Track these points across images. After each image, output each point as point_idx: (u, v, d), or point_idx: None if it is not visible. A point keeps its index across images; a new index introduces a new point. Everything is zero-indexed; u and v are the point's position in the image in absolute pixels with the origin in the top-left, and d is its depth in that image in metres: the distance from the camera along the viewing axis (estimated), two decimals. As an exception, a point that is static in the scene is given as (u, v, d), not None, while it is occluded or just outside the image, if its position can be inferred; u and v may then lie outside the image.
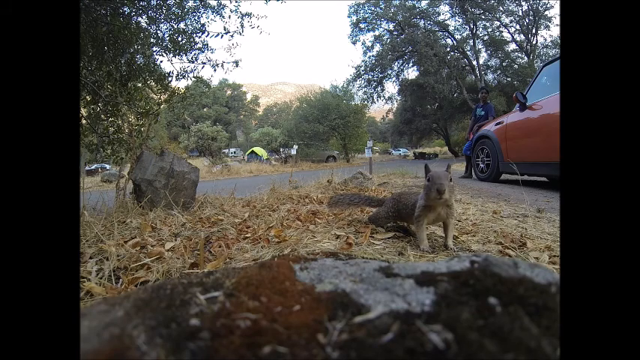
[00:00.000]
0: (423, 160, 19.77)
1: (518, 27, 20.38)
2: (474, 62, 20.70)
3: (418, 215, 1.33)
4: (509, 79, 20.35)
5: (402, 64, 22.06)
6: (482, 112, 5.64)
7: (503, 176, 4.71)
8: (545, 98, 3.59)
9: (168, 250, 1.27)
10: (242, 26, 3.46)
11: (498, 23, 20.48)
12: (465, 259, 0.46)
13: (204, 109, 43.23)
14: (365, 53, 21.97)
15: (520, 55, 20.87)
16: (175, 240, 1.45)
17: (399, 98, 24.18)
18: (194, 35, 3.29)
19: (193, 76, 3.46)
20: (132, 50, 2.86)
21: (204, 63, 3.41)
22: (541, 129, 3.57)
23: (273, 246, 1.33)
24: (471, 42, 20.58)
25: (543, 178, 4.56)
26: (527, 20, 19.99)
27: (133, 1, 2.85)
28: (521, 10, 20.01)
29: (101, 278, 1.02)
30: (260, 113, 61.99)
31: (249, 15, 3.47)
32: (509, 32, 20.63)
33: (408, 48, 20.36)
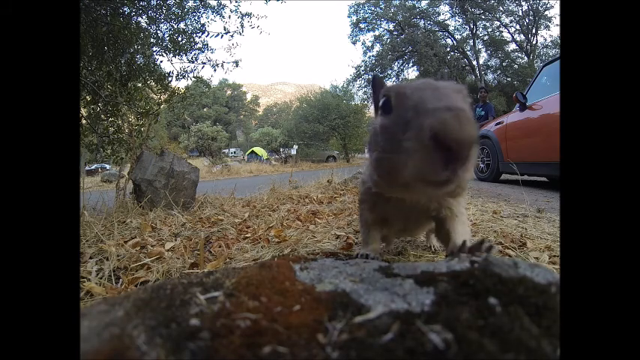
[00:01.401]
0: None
1: (518, 27, 20.37)
2: (474, 62, 20.69)
3: (363, 201, 0.78)
4: (509, 79, 20.34)
5: (402, 64, 22.05)
6: (482, 112, 5.65)
7: (503, 176, 4.70)
8: (545, 98, 3.59)
9: (168, 250, 1.27)
10: (242, 26, 3.46)
11: (498, 23, 20.48)
12: (465, 259, 0.46)
13: (204, 109, 43.21)
14: (365, 53, 21.98)
15: (520, 55, 20.86)
16: (175, 240, 1.45)
17: (399, 98, 24.12)
18: (194, 35, 3.29)
19: (193, 76, 3.46)
20: (132, 50, 2.86)
21: (204, 63, 3.41)
22: (541, 129, 3.57)
23: (273, 246, 1.33)
24: (471, 42, 20.57)
25: (543, 178, 4.56)
26: (527, 20, 19.98)
27: (133, 1, 2.85)
28: (521, 10, 20.00)
29: (101, 278, 1.02)
30: (260, 113, 61.95)
31: (249, 15, 3.47)
32: (509, 32, 20.64)
33: (408, 48, 20.35)
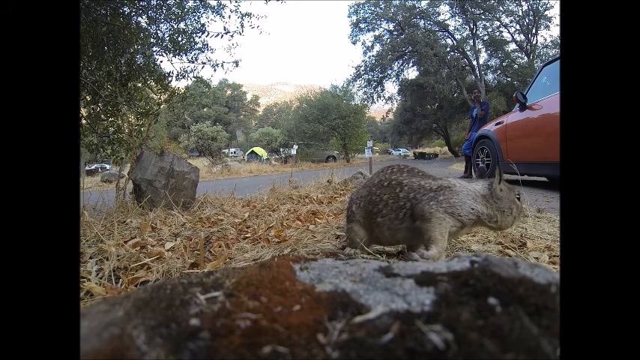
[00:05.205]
0: (423, 160, 19.73)
1: (518, 27, 20.37)
2: (474, 62, 20.68)
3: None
4: (509, 79, 20.34)
5: (402, 64, 22.05)
6: (475, 112, 5.74)
7: (503, 176, 4.70)
8: (545, 98, 3.59)
9: (168, 250, 1.27)
10: (242, 26, 3.46)
11: (498, 23, 20.48)
12: (465, 259, 0.46)
13: (204, 109, 43.17)
14: (365, 53, 21.98)
15: (520, 55, 20.86)
16: (175, 240, 1.45)
17: (399, 98, 24.17)
18: (194, 35, 3.29)
19: (193, 76, 3.46)
20: (132, 50, 2.86)
21: (204, 63, 3.41)
22: (541, 129, 3.57)
23: (273, 246, 1.33)
24: (471, 42, 20.56)
25: (543, 178, 4.56)
26: (527, 20, 19.98)
27: (133, 1, 2.85)
28: (521, 10, 20.01)
29: (101, 278, 1.02)
30: (260, 113, 61.88)
31: (249, 15, 3.47)
32: (509, 32, 20.64)
33: (408, 48, 20.35)
